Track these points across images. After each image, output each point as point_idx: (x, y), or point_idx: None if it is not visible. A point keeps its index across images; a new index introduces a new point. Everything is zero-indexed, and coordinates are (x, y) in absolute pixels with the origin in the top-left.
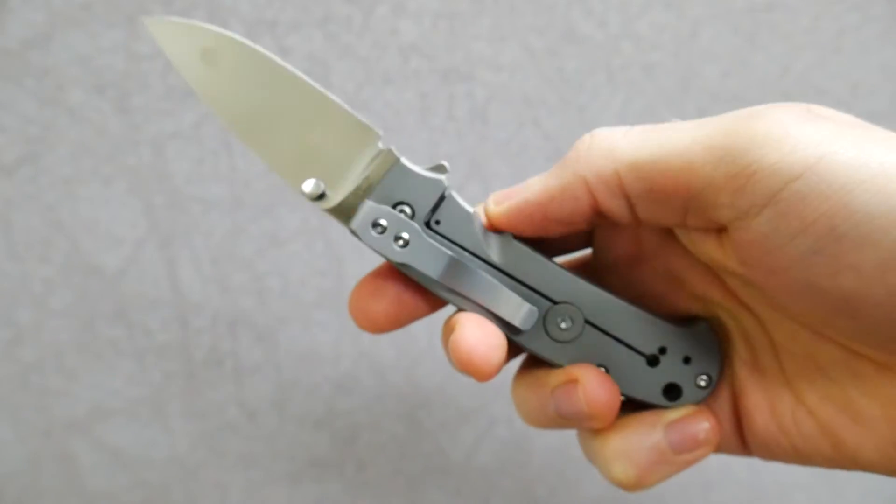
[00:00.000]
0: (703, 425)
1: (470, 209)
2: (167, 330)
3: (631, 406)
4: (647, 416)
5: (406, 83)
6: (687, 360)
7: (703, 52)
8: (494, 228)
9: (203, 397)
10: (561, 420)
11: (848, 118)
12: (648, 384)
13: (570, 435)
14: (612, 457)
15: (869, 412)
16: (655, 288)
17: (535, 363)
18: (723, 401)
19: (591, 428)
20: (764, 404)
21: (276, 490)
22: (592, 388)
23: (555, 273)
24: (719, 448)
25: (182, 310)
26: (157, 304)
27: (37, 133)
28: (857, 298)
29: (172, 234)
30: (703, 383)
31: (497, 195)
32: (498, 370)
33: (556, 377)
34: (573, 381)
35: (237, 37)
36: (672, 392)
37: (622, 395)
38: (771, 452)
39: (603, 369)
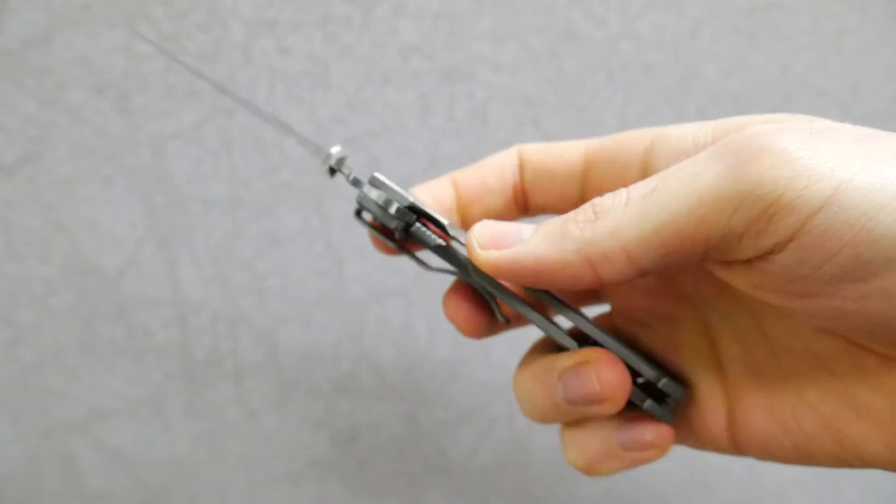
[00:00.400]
0: (651, 428)
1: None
2: (167, 330)
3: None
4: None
5: (406, 83)
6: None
7: (703, 52)
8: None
9: (203, 397)
10: (568, 408)
11: (848, 131)
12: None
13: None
14: (567, 443)
15: (873, 405)
16: (643, 282)
17: (538, 352)
18: (715, 403)
19: (601, 413)
20: (762, 403)
21: (276, 490)
22: (606, 369)
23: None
24: (708, 449)
25: (182, 310)
26: (157, 304)
27: (37, 133)
28: (885, 317)
29: (172, 234)
30: (670, 403)
31: (482, 236)
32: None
33: (565, 360)
34: (585, 363)
35: None
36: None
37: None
38: (770, 453)
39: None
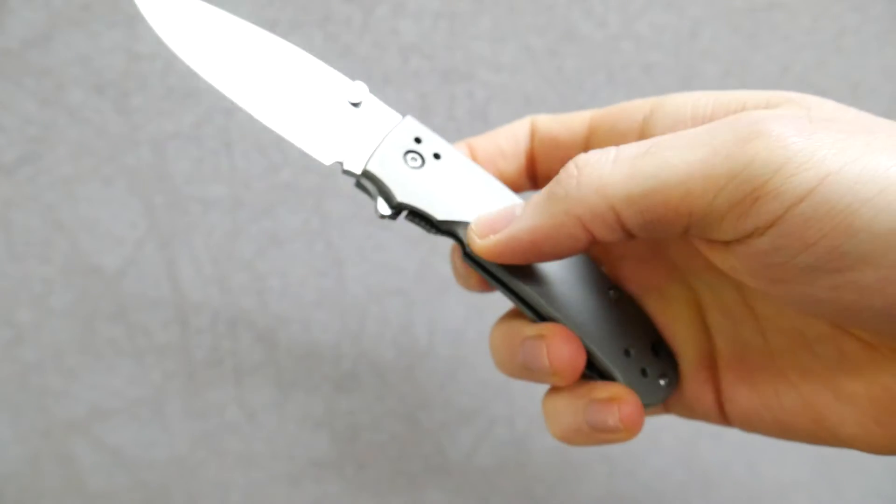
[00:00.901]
0: (613, 412)
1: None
2: (167, 330)
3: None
4: (582, 387)
5: (406, 83)
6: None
7: (703, 52)
8: (482, 258)
9: (203, 397)
10: (527, 372)
11: (848, 121)
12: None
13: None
14: (545, 412)
15: (852, 390)
16: (636, 252)
17: (515, 315)
18: (705, 375)
19: (556, 383)
20: (746, 378)
21: (276, 490)
22: (557, 345)
23: None
24: (700, 419)
25: (182, 310)
26: (157, 304)
27: (37, 133)
28: (855, 308)
29: (172, 234)
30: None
31: (480, 225)
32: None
33: (528, 329)
34: (540, 337)
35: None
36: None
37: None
38: (752, 425)
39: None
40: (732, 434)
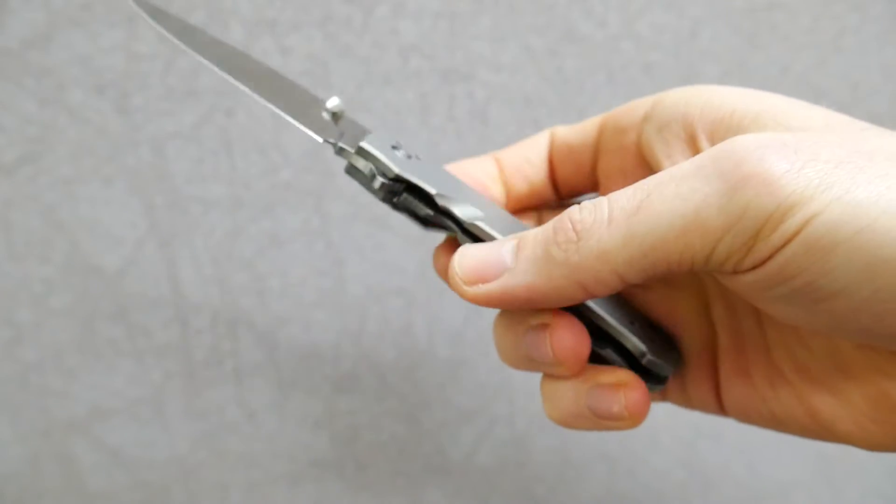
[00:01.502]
0: (619, 399)
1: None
2: (167, 330)
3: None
4: (586, 370)
5: (406, 83)
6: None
7: (703, 52)
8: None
9: (203, 397)
10: (530, 363)
11: (834, 148)
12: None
13: (570, 435)
14: (544, 396)
15: (848, 388)
16: None
17: None
18: (706, 365)
19: (560, 374)
20: (744, 370)
21: (276, 490)
22: (560, 334)
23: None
24: (698, 409)
25: (182, 310)
26: (157, 304)
27: (37, 133)
28: (832, 330)
29: (172, 234)
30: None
31: (465, 273)
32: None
33: (531, 319)
34: (544, 325)
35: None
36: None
37: (609, 326)
38: (748, 417)
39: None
40: (732, 434)
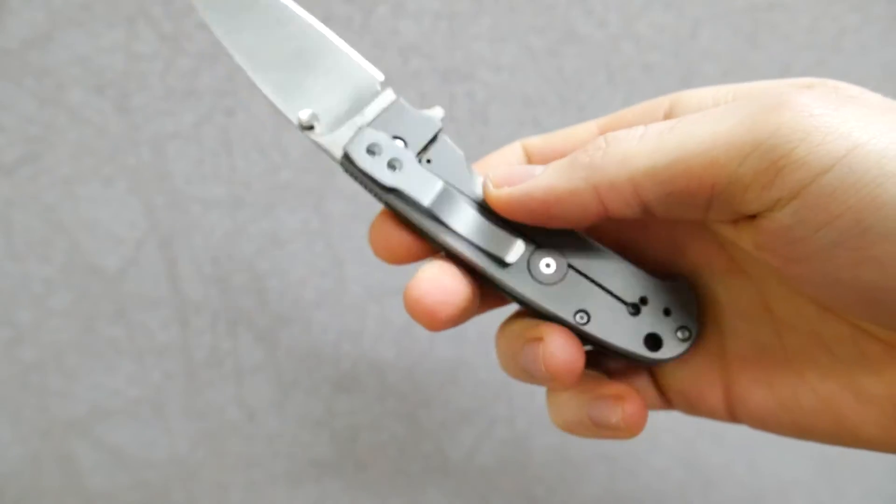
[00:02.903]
0: (616, 411)
1: (460, 152)
2: (167, 330)
3: (614, 355)
4: (588, 380)
5: (406, 83)
6: (667, 312)
7: (703, 52)
8: (491, 208)
9: (203, 397)
10: (528, 376)
11: (877, 99)
12: (630, 333)
13: (570, 435)
14: (549, 401)
15: (873, 391)
16: (655, 254)
17: (520, 314)
18: (712, 372)
19: (556, 388)
20: (763, 380)
21: (276, 490)
22: (553, 349)
23: None
24: (704, 416)
25: (182, 310)
26: (157, 304)
27: (37, 133)
28: (876, 289)
29: (172, 234)
30: (682, 336)
31: (498, 176)
32: (450, 321)
33: (527, 332)
34: (538, 340)
35: None
36: (653, 342)
37: (605, 343)
38: (767, 425)
39: (584, 315)
40: (733, 434)
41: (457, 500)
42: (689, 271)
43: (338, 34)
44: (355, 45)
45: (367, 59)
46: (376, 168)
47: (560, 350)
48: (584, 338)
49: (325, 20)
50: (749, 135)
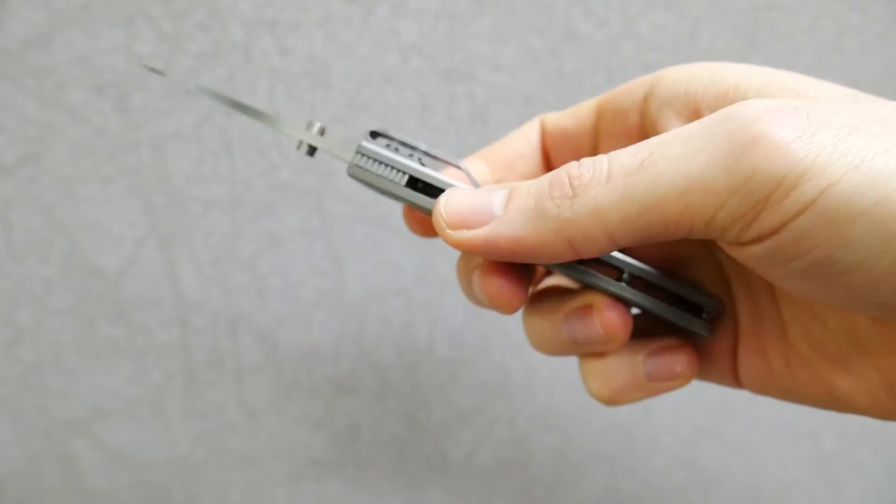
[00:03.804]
0: (680, 358)
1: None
2: (167, 330)
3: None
4: (633, 343)
5: (406, 83)
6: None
7: (703, 52)
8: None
9: (203, 397)
10: (574, 346)
11: (846, 114)
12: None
13: (570, 435)
14: (590, 375)
15: (863, 363)
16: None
17: (544, 295)
18: (727, 339)
19: (604, 350)
20: (759, 345)
21: (276, 490)
22: (609, 314)
23: None
24: (713, 380)
25: (182, 310)
26: (157, 304)
27: (37, 133)
28: (849, 304)
29: (172, 234)
30: (706, 317)
31: (451, 214)
32: (522, 304)
33: (570, 303)
34: (588, 307)
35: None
36: (693, 308)
37: (647, 307)
38: (764, 391)
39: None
40: (732, 434)
41: (457, 500)
42: (693, 243)
43: (338, 34)
44: (355, 44)
45: (367, 59)
46: (398, 158)
47: (614, 313)
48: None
49: (325, 20)
50: (724, 179)
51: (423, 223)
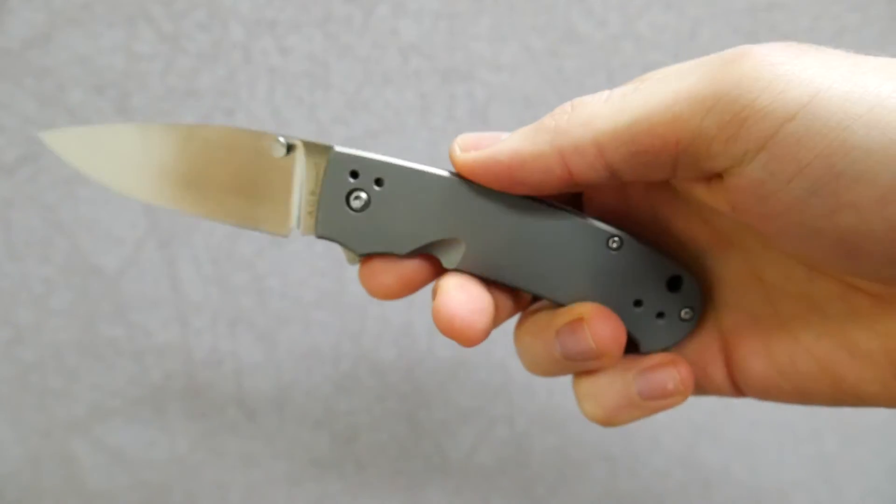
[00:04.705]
0: (672, 375)
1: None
2: (167, 330)
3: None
4: (625, 360)
5: (406, 83)
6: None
7: (703, 52)
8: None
9: (203, 397)
10: (567, 363)
11: (837, 52)
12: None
13: (570, 435)
14: (583, 396)
15: (867, 346)
16: (642, 231)
17: (536, 310)
18: (712, 349)
19: (598, 367)
20: (759, 349)
21: (276, 490)
22: (598, 324)
23: None
24: (711, 394)
25: (182, 310)
26: (157, 304)
27: (37, 133)
28: (855, 235)
29: (172, 234)
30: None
31: (465, 140)
32: (483, 335)
33: (561, 317)
34: (579, 320)
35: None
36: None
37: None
38: (770, 395)
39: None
40: (732, 434)
41: (457, 500)
42: (676, 250)
43: (338, 34)
44: (355, 44)
45: (367, 59)
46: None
47: (605, 323)
48: None
49: (325, 20)
50: (710, 87)
51: (382, 284)
